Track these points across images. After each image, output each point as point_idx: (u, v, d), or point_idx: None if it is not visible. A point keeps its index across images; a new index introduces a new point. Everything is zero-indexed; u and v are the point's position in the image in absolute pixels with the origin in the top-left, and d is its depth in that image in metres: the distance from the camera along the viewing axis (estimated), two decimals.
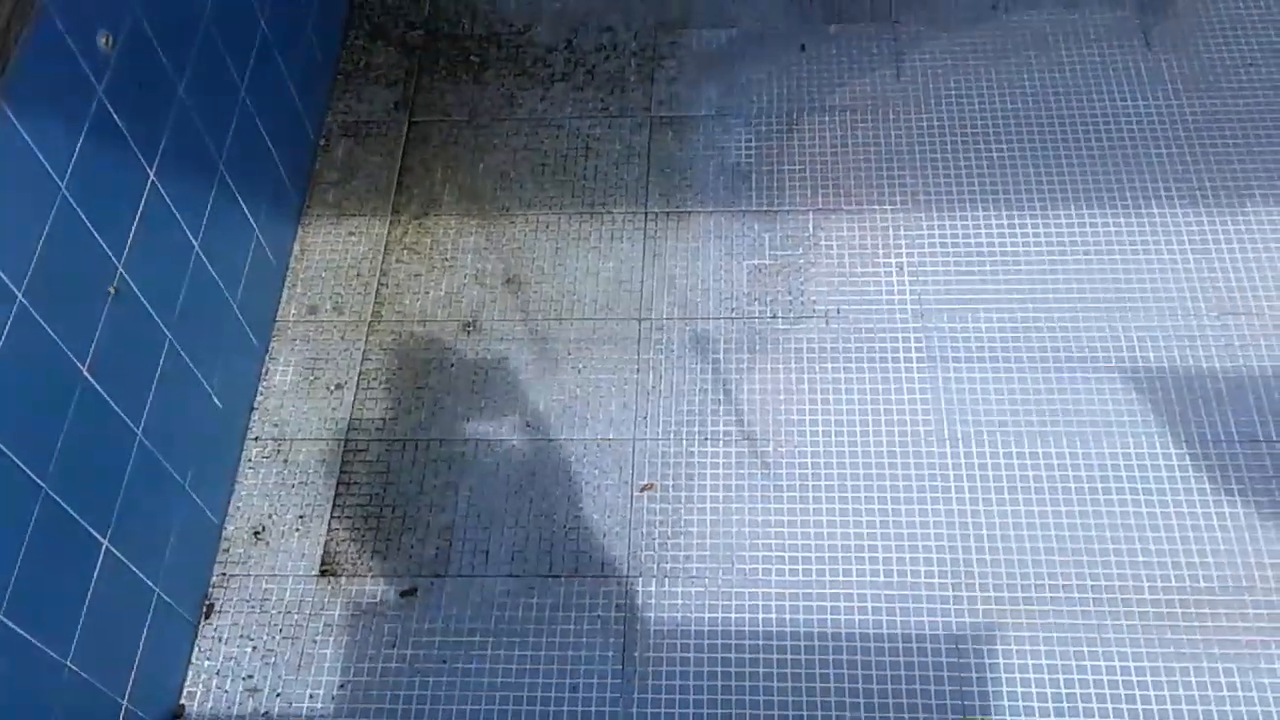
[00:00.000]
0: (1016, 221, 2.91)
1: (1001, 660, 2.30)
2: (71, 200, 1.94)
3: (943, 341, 2.71)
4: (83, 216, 1.97)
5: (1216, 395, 2.60)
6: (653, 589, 2.42)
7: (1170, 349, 2.67)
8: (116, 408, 2.08)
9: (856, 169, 3.05)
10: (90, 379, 1.99)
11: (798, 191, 3.01)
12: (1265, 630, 2.30)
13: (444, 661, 2.34)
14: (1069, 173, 2.99)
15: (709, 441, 2.61)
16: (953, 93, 3.18)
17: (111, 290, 2.08)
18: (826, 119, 3.15)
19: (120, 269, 2.11)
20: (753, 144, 3.12)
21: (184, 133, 2.35)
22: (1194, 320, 2.70)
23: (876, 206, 2.96)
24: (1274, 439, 2.53)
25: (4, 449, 1.73)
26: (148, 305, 2.21)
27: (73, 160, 1.94)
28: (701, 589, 2.41)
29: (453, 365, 2.76)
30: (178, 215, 2.34)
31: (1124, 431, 2.55)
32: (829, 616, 2.36)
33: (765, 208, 2.99)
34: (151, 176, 2.23)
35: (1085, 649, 2.30)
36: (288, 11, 2.90)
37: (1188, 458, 2.51)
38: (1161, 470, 2.50)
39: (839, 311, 2.78)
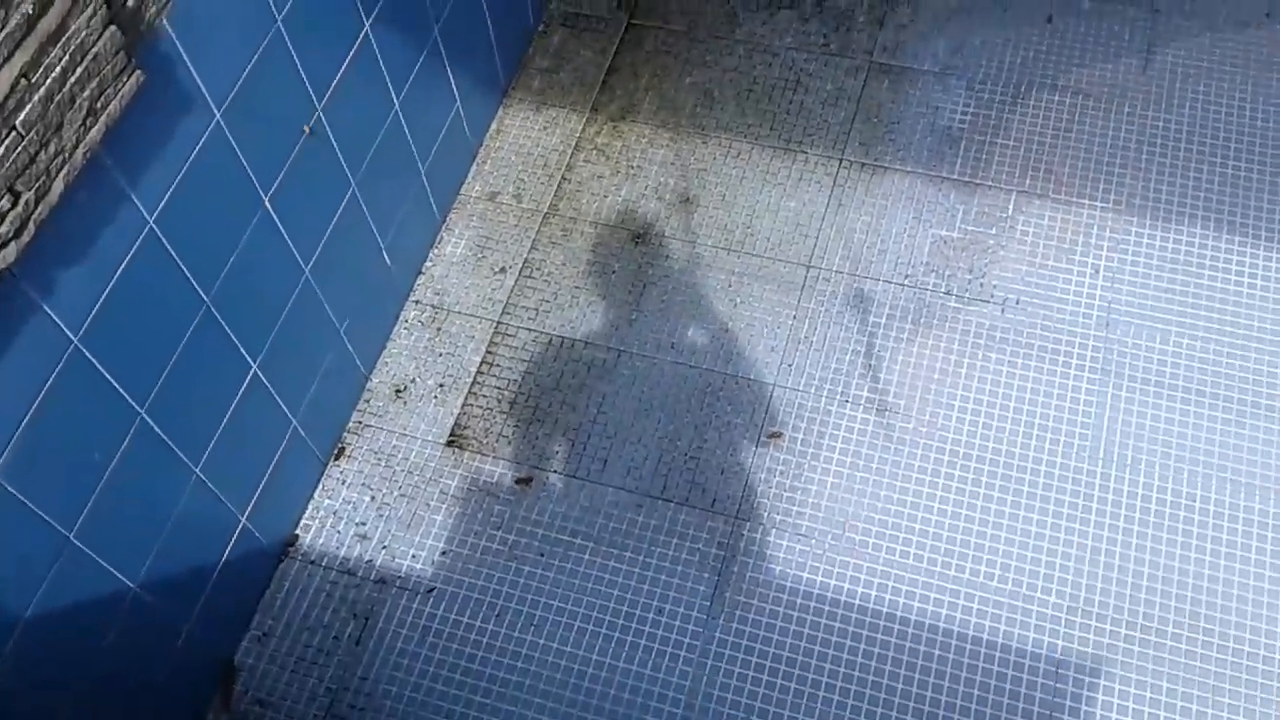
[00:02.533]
0: (1235, 247, 2.68)
1: (1102, 695, 2.19)
2: (285, 34, 2.00)
3: (1123, 356, 2.55)
4: (292, 52, 2.04)
5: None
6: (758, 536, 2.39)
7: None
8: (290, 242, 2.17)
9: (1074, 157, 2.86)
10: (270, 209, 2.08)
11: (1005, 168, 2.86)
12: None
13: (541, 555, 2.39)
14: None
15: (848, 404, 2.54)
16: (1200, 96, 2.93)
17: (306, 130, 2.15)
18: (1055, 98, 2.96)
19: (319, 111, 2.18)
20: (970, 109, 2.97)
21: None
22: None
23: (1086, 200, 2.78)
24: None
25: (176, 256, 1.83)
26: (339, 151, 2.28)
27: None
28: (806, 549, 2.37)
29: (614, 272, 2.76)
30: (384, 70, 2.39)
31: None
32: (930, 607, 2.29)
33: (967, 178, 2.85)
34: (366, 27, 2.28)
35: (1195, 706, 2.17)
36: None
37: None
38: None
39: (1018, 302, 2.64)
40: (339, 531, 2.45)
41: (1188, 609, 2.26)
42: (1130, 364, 2.54)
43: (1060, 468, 2.43)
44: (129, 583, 1.93)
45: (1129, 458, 2.42)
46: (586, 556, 2.39)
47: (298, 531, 2.45)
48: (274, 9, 1.96)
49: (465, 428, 2.57)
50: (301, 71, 2.09)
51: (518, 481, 2.49)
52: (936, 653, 2.25)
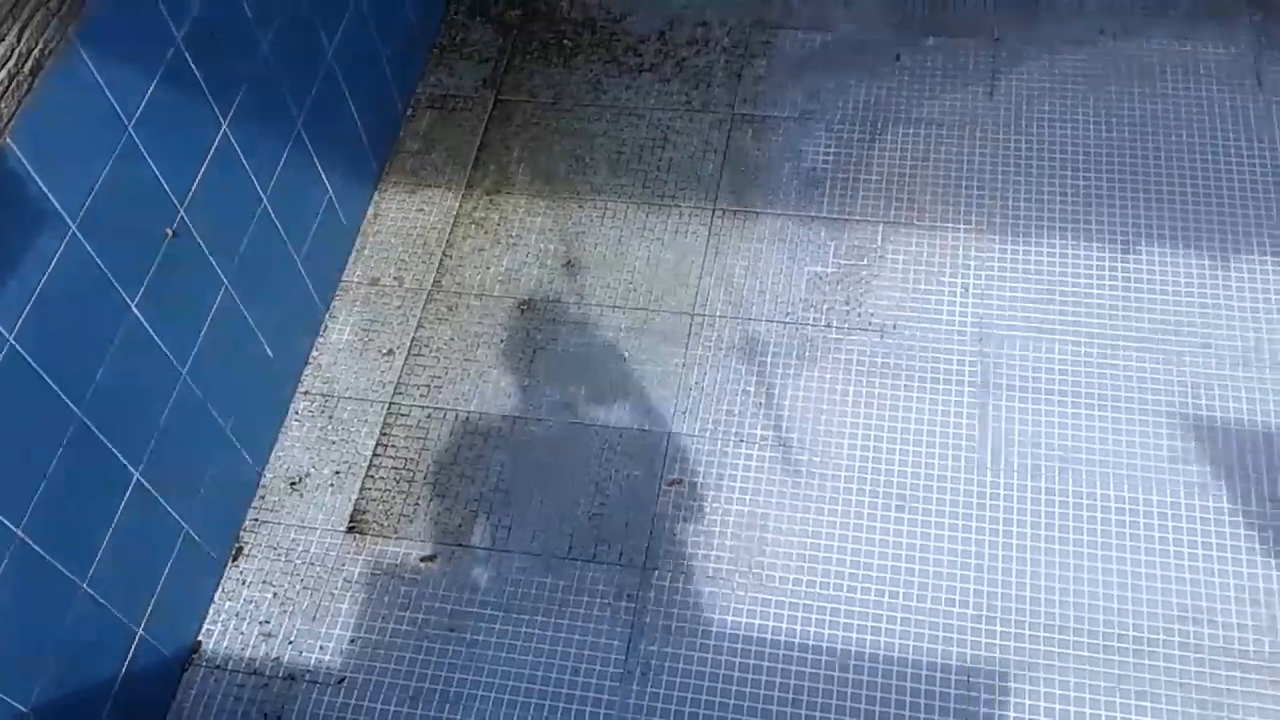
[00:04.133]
0: (1094, 256, 2.81)
1: (1013, 699, 2.22)
2: (138, 141, 2.02)
3: (999, 369, 2.64)
4: (147, 158, 2.05)
5: (1277, 454, 2.47)
6: (667, 584, 2.40)
7: (1238, 403, 2.54)
8: (162, 345, 2.16)
9: (934, 185, 2.98)
10: (138, 314, 2.07)
11: (870, 202, 2.96)
12: None
13: (453, 630, 2.37)
14: (1157, 211, 2.87)
15: (744, 444, 2.58)
16: (1046, 116, 3.08)
17: (169, 232, 2.16)
18: (911, 131, 3.09)
19: (182, 212, 2.18)
20: (832, 150, 3.08)
21: (263, 89, 2.42)
22: (1267, 375, 2.57)
23: (949, 225, 2.89)
24: None
25: (41, 371, 1.81)
26: (207, 251, 2.29)
27: (143, 104, 2.01)
28: (716, 590, 2.39)
29: (503, 341, 2.79)
30: (248, 168, 2.41)
31: (1175, 481, 2.44)
32: (842, 633, 2.32)
33: (835, 215, 2.95)
34: (224, 127, 2.30)
35: (1103, 698, 2.21)
36: None
37: (1240, 515, 2.39)
38: (1210, 525, 2.38)
39: (895, 327, 2.73)
40: (243, 633, 2.40)
41: (1085, 602, 2.32)
42: (1007, 375, 2.63)
43: (953, 481, 2.49)
44: (21, 707, 1.87)
45: (1015, 464, 2.50)
46: (498, 626, 2.38)
47: (200, 638, 2.40)
48: (123, 116, 1.98)
49: (365, 512, 2.55)
50: (159, 175, 2.10)
51: (422, 560, 2.47)
52: (851, 676, 2.27)
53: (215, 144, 2.27)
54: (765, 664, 2.30)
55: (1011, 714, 2.21)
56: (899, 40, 3.30)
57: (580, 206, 3.03)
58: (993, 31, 3.28)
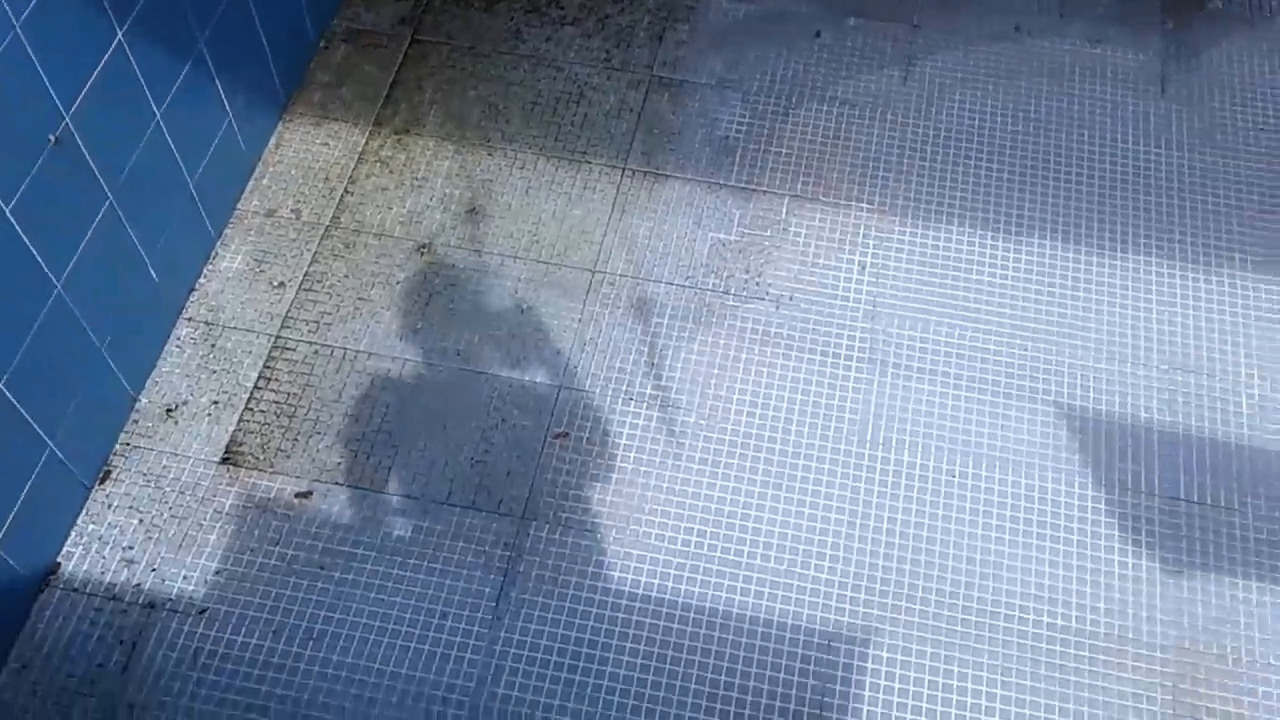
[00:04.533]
0: (989, 243, 2.87)
1: (870, 665, 2.28)
2: (24, 39, 1.93)
3: (887, 346, 2.68)
4: (33, 58, 1.97)
5: (1148, 447, 2.56)
6: (544, 534, 2.41)
7: (1113, 393, 2.62)
8: (36, 254, 2.08)
9: (842, 163, 3.01)
10: (11, 219, 1.99)
11: (779, 174, 2.98)
12: (1140, 684, 2.27)
13: (322, 568, 2.34)
14: (1052, 203, 2.94)
15: (632, 402, 2.59)
16: (955, 104, 3.13)
17: (52, 139, 2.08)
18: (824, 109, 3.12)
19: (67, 119, 2.10)
20: (746, 120, 3.09)
21: (166, 3, 2.33)
22: (1142, 370, 2.66)
23: (853, 203, 2.93)
24: (1194, 499, 2.48)
25: None
26: (92, 163, 2.21)
27: (33, 2, 1.93)
28: (591, 544, 2.40)
29: (399, 283, 2.75)
30: (142, 82, 2.33)
31: (1046, 465, 2.52)
32: (710, 591, 2.35)
33: (743, 184, 2.96)
34: (119, 35, 2.22)
35: (956, 669, 2.28)
36: None
37: (1104, 502, 2.47)
38: (1074, 510, 2.47)
39: (791, 298, 2.75)
40: (104, 557, 2.34)
41: (949, 575, 2.38)
42: (895, 352, 2.67)
43: (830, 451, 2.53)
44: None
45: (892, 439, 2.55)
46: (369, 566, 2.35)
47: (59, 560, 2.33)
48: (11, 14, 1.89)
49: (241, 445, 2.50)
50: (45, 78, 2.02)
51: (297, 496, 2.43)
52: (716, 635, 2.30)
53: (109, 53, 2.19)
54: (634, 618, 2.31)
55: (869, 679, 2.26)
56: (821, 17, 3.32)
57: (490, 154, 3.00)
58: (913, 18, 3.31)
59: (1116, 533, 2.44)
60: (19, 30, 1.93)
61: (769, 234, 2.87)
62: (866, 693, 2.25)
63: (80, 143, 2.16)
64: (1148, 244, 2.87)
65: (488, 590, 2.34)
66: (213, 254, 2.76)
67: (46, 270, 2.13)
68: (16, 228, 2.02)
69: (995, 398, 2.62)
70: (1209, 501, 2.50)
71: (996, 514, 2.46)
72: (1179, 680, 2.28)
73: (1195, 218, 2.92)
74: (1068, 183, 2.99)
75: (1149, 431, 2.58)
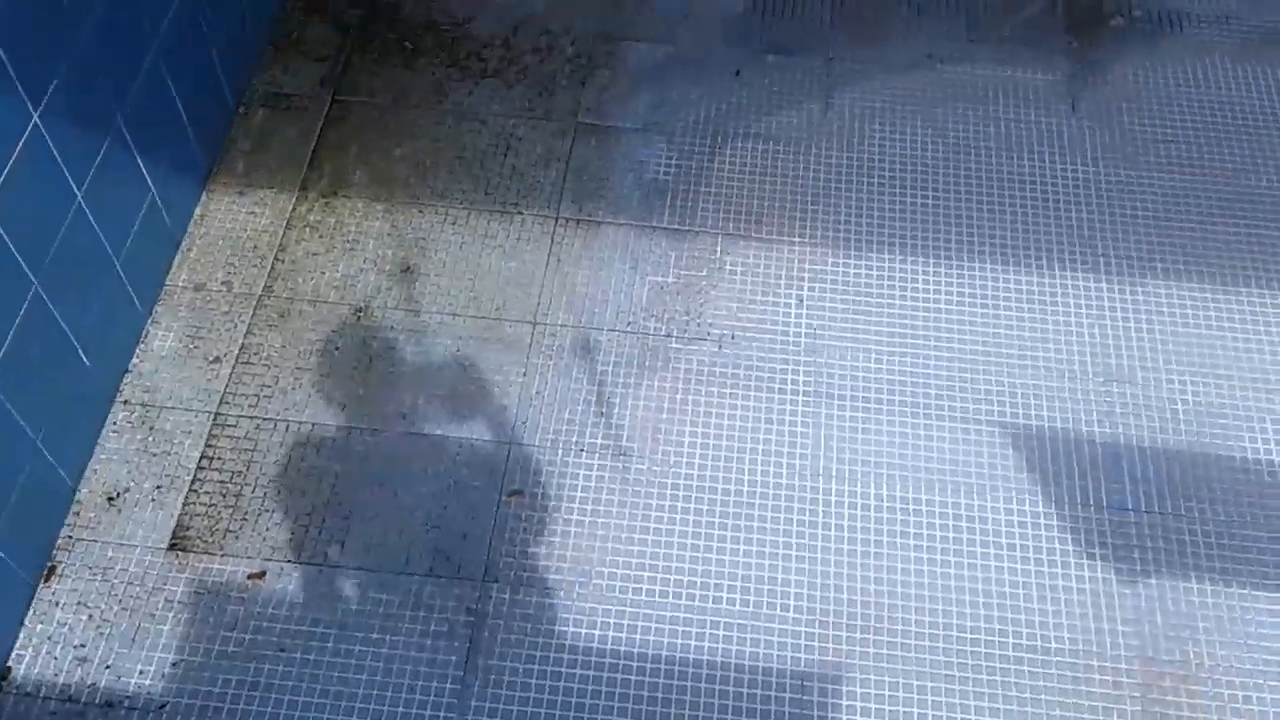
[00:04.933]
0: (920, 269, 2.92)
1: (845, 701, 2.29)
2: None
3: (830, 378, 2.71)
4: None
5: (1092, 460, 2.62)
6: (506, 596, 2.38)
7: (1053, 410, 2.68)
8: None
9: (771, 198, 3.04)
10: None
11: (710, 214, 3.00)
12: (1108, 697, 2.31)
13: (282, 650, 2.28)
14: (980, 226, 3.01)
15: (584, 453, 2.58)
16: (878, 134, 3.19)
17: None
18: (750, 146, 3.15)
19: None
20: (674, 162, 3.11)
21: (80, 81, 2.28)
22: (1079, 385, 2.72)
23: (785, 238, 2.96)
24: (1142, 509, 2.55)
25: None
26: (14, 250, 2.14)
27: None
28: (555, 601, 2.38)
29: (337, 349, 2.71)
30: (61, 163, 2.27)
31: (996, 486, 2.56)
32: (680, 640, 2.34)
33: (676, 226, 2.98)
34: (35, 117, 2.16)
35: (930, 697, 2.30)
36: None
37: (1055, 519, 2.52)
38: (1028, 528, 2.51)
39: (733, 337, 2.77)
40: (55, 657, 2.26)
41: (912, 604, 2.40)
42: (838, 384, 2.70)
43: (785, 488, 2.54)
44: None
45: (845, 471, 2.57)
46: (330, 645, 2.30)
47: (9, 664, 2.24)
48: None
49: (188, 529, 2.43)
50: None
51: (250, 577, 2.37)
52: (689, 684, 2.29)
53: (25, 135, 2.13)
54: (605, 674, 2.29)
55: (844, 715, 2.27)
56: (739, 57, 3.37)
57: (420, 212, 2.97)
58: (828, 52, 3.38)
59: (1070, 548, 2.49)
60: None
61: (705, 274, 2.89)
62: None
63: (1, 230, 2.09)
64: (1073, 259, 2.95)
65: (454, 659, 2.30)
66: (144, 333, 2.70)
67: None
68: None
69: (940, 422, 2.66)
70: (1156, 510, 2.56)
71: (952, 538, 2.49)
72: (1146, 690, 2.33)
73: (1116, 230, 3.01)
74: (991, 204, 3.06)
75: (1091, 445, 2.64)
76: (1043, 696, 2.32)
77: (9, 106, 2.08)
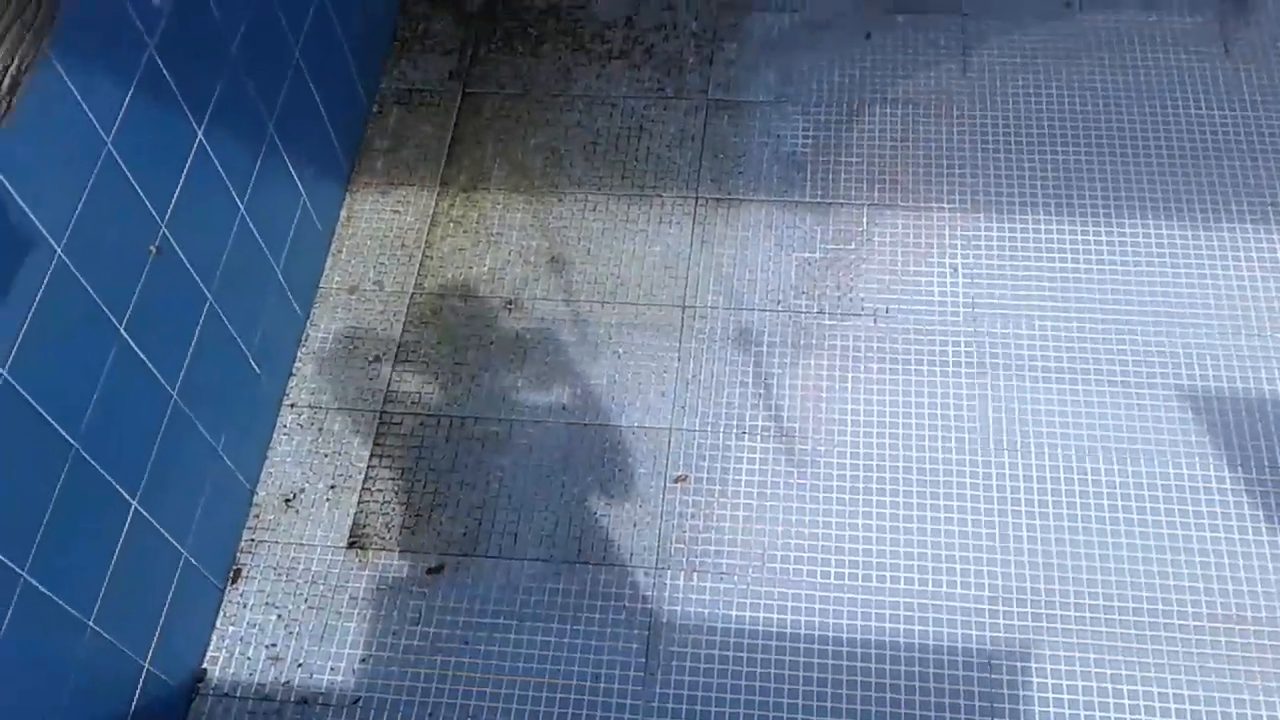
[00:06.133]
0: (1078, 228, 2.82)
1: (1035, 679, 2.24)
2: (117, 156, 1.92)
3: (994, 347, 2.64)
4: (127, 173, 1.96)
5: (1277, 420, 2.51)
6: (680, 583, 2.38)
7: (1231, 369, 2.57)
8: (152, 368, 2.07)
9: (915, 164, 2.97)
10: (127, 337, 1.98)
11: (853, 185, 2.94)
12: None
13: (466, 642, 2.32)
14: (1136, 181, 2.89)
15: (746, 436, 2.56)
16: (1020, 91, 3.09)
17: (153, 250, 2.06)
18: (887, 111, 3.08)
19: (163, 228, 2.09)
20: (810, 133, 3.05)
21: (235, 92, 2.32)
22: (1258, 341, 2.61)
23: (934, 204, 2.89)
24: None
25: (35, 404, 1.72)
26: (189, 266, 2.20)
27: (120, 116, 1.92)
28: (730, 586, 2.37)
29: (492, 342, 2.73)
30: (224, 176, 2.32)
31: (1177, 451, 2.47)
32: (859, 622, 2.31)
33: (819, 199, 2.92)
34: (200, 135, 2.20)
35: (1123, 672, 2.24)
36: None
37: (1242, 483, 2.42)
38: (1214, 494, 2.42)
39: (888, 310, 2.72)
40: (249, 657, 2.33)
41: (1098, 578, 2.34)
42: (1001, 353, 2.63)
43: (956, 463, 2.49)
44: None
45: (1017, 443, 2.51)
46: (512, 635, 2.33)
47: (205, 665, 2.32)
48: (101, 131, 1.88)
49: (364, 526, 2.48)
50: (139, 190, 2.00)
51: (428, 571, 2.41)
52: (873, 665, 2.26)
53: (193, 153, 2.18)
54: (785, 658, 2.28)
55: (1035, 693, 2.22)
56: (868, 18, 3.28)
57: (560, 200, 2.97)
58: (961, 7, 3.27)
59: (1260, 513, 2.39)
60: (110, 145, 1.91)
61: (853, 247, 2.84)
62: (1036, 707, 2.21)
63: (178, 248, 2.15)
64: (1239, 211, 2.82)
65: (635, 647, 2.31)
66: (304, 336, 2.75)
67: (162, 381, 2.12)
68: (132, 344, 2.01)
69: (1112, 388, 2.57)
70: None
71: (1136, 507, 2.41)
72: None
73: None
74: (1146, 157, 2.94)
75: (1275, 404, 2.53)
76: (1240, 667, 2.24)
77: (178, 126, 2.12)
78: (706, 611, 2.35)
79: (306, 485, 2.54)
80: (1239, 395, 2.54)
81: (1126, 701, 2.21)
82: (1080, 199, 2.87)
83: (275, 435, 2.61)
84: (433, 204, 2.97)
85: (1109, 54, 3.15)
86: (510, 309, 2.78)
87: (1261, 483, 2.42)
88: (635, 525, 2.46)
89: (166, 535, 2.16)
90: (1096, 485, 2.44)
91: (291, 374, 2.70)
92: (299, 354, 2.73)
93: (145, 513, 2.06)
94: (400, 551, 2.44)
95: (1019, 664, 2.25)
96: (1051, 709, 2.21)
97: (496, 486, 2.52)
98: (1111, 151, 2.95)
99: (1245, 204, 2.82)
